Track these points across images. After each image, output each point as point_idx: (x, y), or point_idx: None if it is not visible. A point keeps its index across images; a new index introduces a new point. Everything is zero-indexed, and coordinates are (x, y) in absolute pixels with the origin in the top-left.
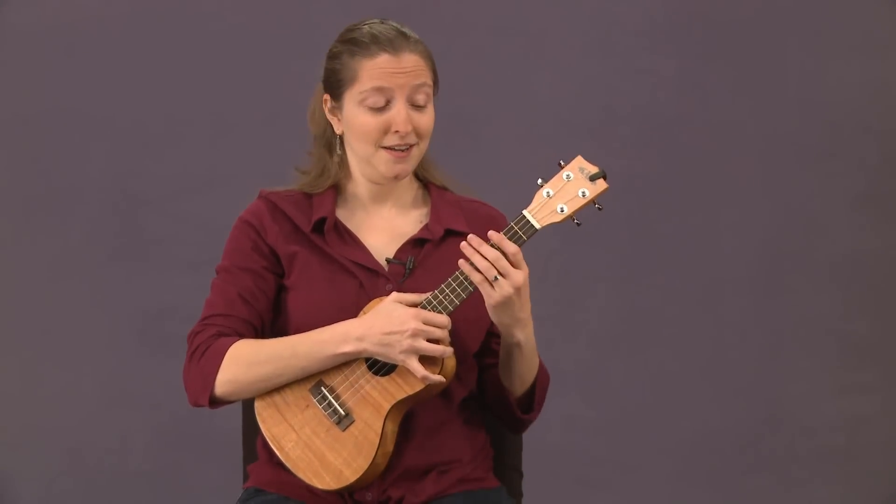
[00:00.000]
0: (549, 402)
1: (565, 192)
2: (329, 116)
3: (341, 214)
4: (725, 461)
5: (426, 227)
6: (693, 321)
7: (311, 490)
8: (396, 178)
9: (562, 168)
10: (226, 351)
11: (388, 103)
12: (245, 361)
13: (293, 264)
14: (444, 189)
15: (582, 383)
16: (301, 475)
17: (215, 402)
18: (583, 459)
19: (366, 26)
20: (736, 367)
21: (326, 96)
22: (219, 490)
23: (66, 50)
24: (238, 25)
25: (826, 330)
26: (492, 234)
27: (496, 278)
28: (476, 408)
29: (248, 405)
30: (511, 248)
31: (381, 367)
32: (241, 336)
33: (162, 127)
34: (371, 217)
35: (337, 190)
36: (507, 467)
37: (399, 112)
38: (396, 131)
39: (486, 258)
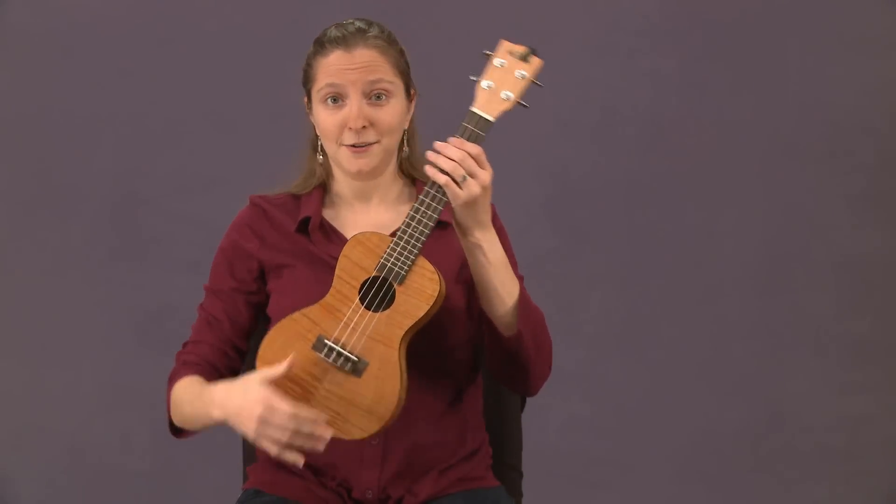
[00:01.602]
0: (550, 401)
1: (504, 78)
2: (310, 117)
3: (327, 214)
4: (725, 461)
5: None
6: (693, 321)
7: (310, 490)
8: (360, 173)
9: (490, 57)
10: (172, 388)
11: (343, 100)
12: (176, 401)
13: (278, 268)
14: None
15: (582, 383)
16: (332, 434)
17: (177, 430)
18: (583, 459)
19: (333, 26)
20: (736, 366)
21: (305, 98)
22: (218, 490)
23: (66, 50)
24: (238, 25)
25: (826, 330)
26: (451, 139)
27: (464, 178)
28: (475, 406)
29: None
30: (474, 148)
31: (378, 303)
32: (208, 362)
33: (162, 127)
34: (357, 215)
35: (324, 189)
36: (507, 467)
37: (351, 108)
38: (350, 128)
39: (452, 159)
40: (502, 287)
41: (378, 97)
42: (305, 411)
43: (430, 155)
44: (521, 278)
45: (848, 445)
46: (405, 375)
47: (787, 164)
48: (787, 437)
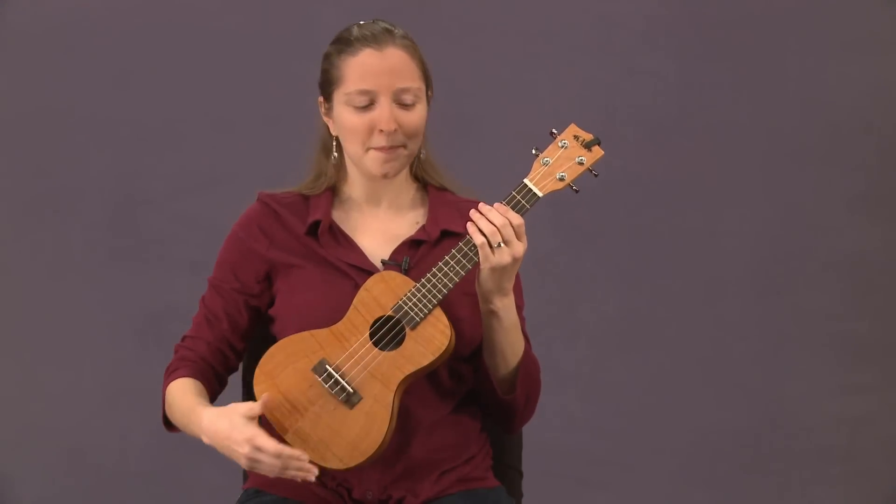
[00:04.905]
0: (550, 401)
1: (562, 159)
2: (325, 119)
3: (337, 216)
4: (725, 461)
5: (423, 229)
6: (693, 321)
7: (311, 490)
8: (385, 176)
9: (556, 137)
10: (167, 388)
11: (372, 102)
12: (170, 403)
13: (286, 269)
14: (444, 190)
15: (582, 383)
16: (310, 455)
17: (171, 425)
18: (583, 459)
19: (355, 26)
20: (736, 367)
21: (321, 99)
22: (219, 490)
23: (66, 50)
24: (238, 25)
25: (826, 330)
26: (497, 205)
27: (499, 245)
28: (476, 407)
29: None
30: (516, 219)
31: (386, 343)
32: (204, 359)
33: (162, 127)
34: (366, 219)
35: (333, 192)
36: (507, 467)
37: (383, 111)
38: (381, 130)
39: (492, 223)
40: (509, 349)
41: (407, 102)
42: (289, 450)
43: (472, 214)
44: (521, 307)
45: (848, 445)
46: (395, 419)
47: (787, 164)
48: (787, 437)
